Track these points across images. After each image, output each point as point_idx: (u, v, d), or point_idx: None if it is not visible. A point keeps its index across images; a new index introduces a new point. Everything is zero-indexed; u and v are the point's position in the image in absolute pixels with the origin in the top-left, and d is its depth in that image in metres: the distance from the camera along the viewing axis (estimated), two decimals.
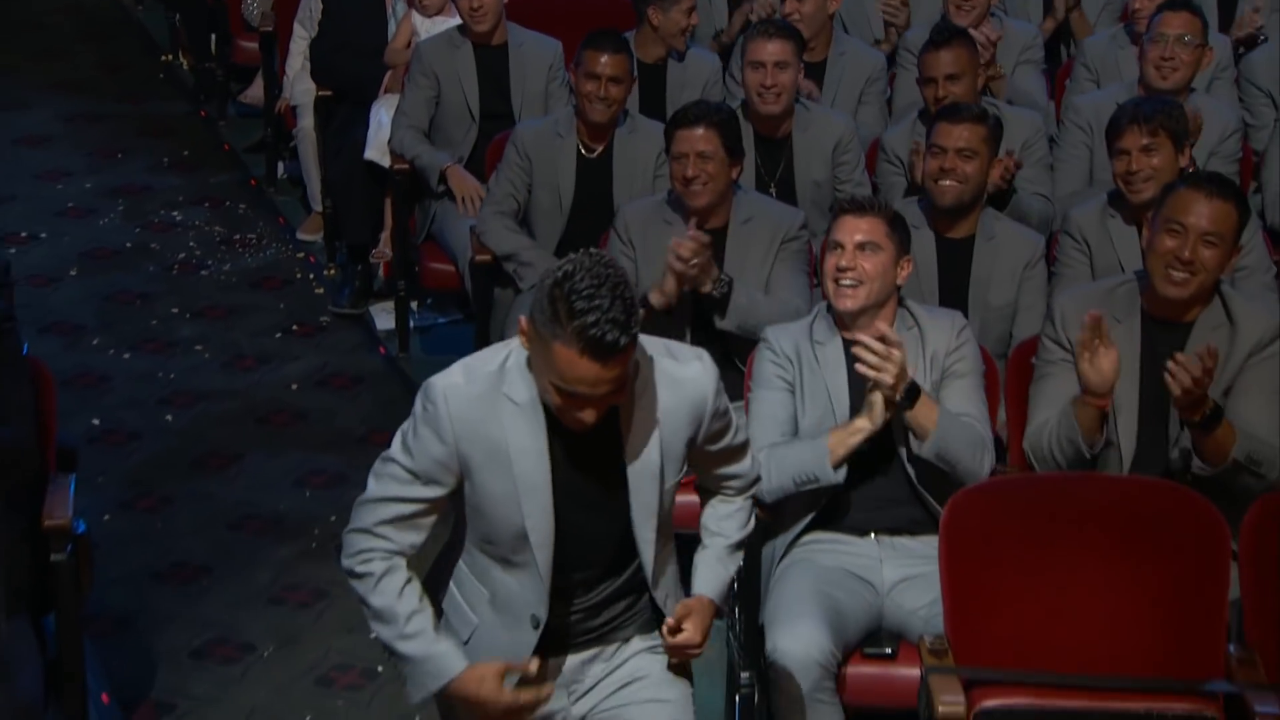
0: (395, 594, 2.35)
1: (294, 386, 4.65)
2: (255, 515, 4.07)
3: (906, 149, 4.09)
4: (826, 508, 3.11)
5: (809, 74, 4.39)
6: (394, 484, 2.35)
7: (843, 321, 3.14)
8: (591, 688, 2.48)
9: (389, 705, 3.41)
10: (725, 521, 2.56)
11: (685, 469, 2.43)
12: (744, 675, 3.11)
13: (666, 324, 3.47)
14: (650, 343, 2.36)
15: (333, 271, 5.24)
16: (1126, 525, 2.85)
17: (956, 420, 3.04)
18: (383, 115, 4.87)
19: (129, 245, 5.42)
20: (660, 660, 2.49)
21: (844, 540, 3.12)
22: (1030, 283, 3.63)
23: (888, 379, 2.96)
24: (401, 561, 2.37)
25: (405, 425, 2.36)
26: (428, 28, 4.96)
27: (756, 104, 4.16)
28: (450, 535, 2.48)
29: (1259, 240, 3.72)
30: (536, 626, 2.37)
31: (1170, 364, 2.89)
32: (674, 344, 2.41)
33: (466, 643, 2.42)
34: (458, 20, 4.72)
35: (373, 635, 3.54)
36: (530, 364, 2.27)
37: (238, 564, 3.88)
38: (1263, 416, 3.00)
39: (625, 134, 4.23)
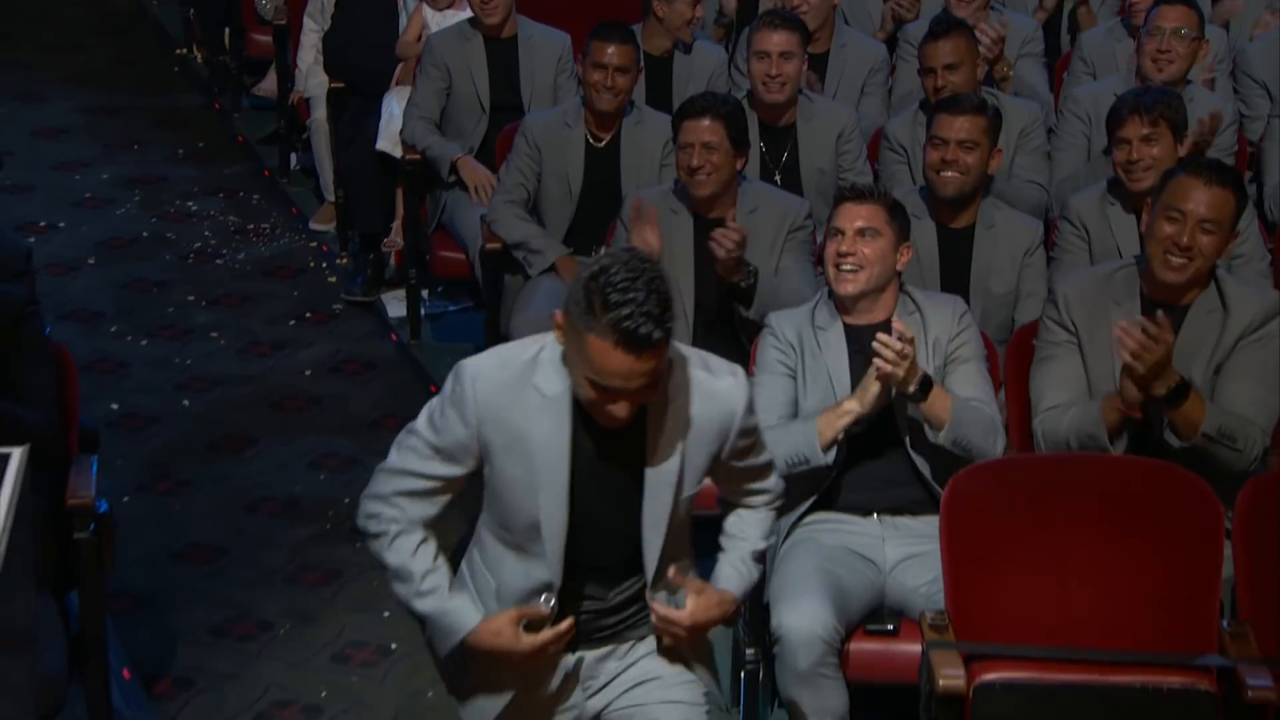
0: (410, 553, 2.37)
1: (308, 372, 4.71)
2: (271, 497, 4.12)
3: (908, 138, 4.13)
4: (830, 489, 3.15)
5: (812, 65, 4.45)
6: (414, 457, 2.36)
7: (843, 306, 3.19)
8: (606, 684, 2.48)
9: (403, 681, 3.46)
10: (748, 528, 2.54)
11: (704, 480, 2.40)
12: (749, 652, 3.15)
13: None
14: (686, 352, 2.35)
15: (345, 260, 5.30)
16: (1123, 505, 2.88)
17: (968, 406, 3.08)
18: (394, 107, 4.92)
19: (145, 235, 5.49)
20: (671, 661, 2.47)
21: (847, 520, 3.17)
22: (1031, 269, 3.66)
23: (901, 374, 3.01)
24: (416, 527, 2.38)
25: (433, 401, 2.37)
26: (438, 21, 5.01)
27: (761, 93, 4.21)
28: (466, 529, 2.49)
29: (1254, 229, 3.77)
30: (551, 611, 2.36)
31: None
32: (710, 356, 2.39)
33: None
34: (468, 13, 4.77)
35: (387, 614, 3.66)
36: (565, 359, 2.26)
37: (254, 544, 3.93)
38: (1249, 395, 3.04)
39: (633, 124, 4.29)
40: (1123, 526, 2.87)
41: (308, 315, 5.01)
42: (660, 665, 2.47)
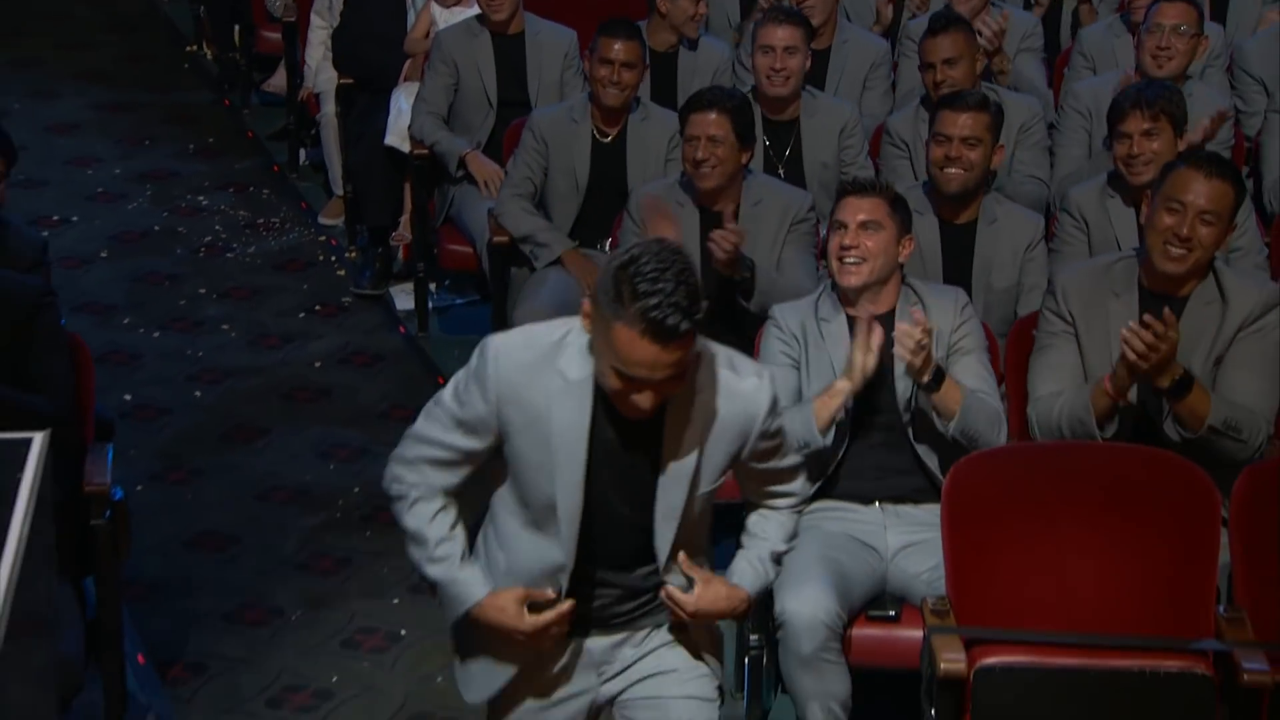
0: (427, 519, 2.38)
1: (317, 364, 4.74)
2: (281, 486, 4.15)
3: (909, 134, 4.17)
4: (832, 477, 3.19)
5: (815, 61, 4.50)
6: (438, 427, 2.37)
7: (846, 298, 3.23)
8: (621, 671, 2.47)
9: (412, 666, 3.50)
10: (769, 528, 2.51)
11: (723, 479, 2.38)
12: (753, 638, 3.18)
13: None
14: (715, 350, 2.33)
15: (354, 254, 5.33)
16: (1122, 492, 2.91)
17: (976, 397, 3.12)
18: (402, 102, 4.95)
19: (157, 229, 5.52)
20: (686, 653, 2.47)
21: (849, 508, 3.20)
22: (1032, 263, 3.68)
23: (919, 363, 3.05)
24: (437, 493, 2.40)
25: (460, 373, 2.37)
26: (446, 18, 5.04)
27: (765, 86, 4.25)
28: (482, 508, 2.49)
29: (1252, 223, 3.80)
30: (559, 592, 2.37)
31: (1124, 330, 2.96)
32: (737, 356, 2.37)
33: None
34: (475, 10, 4.80)
35: (396, 601, 3.71)
36: (591, 347, 2.25)
37: (265, 533, 3.97)
38: (1250, 386, 3.07)
39: (638, 120, 4.33)
40: (1121, 514, 2.90)
41: (317, 308, 5.05)
42: (676, 657, 2.46)
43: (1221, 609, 2.84)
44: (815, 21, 4.50)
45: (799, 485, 2.52)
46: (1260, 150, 4.32)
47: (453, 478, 2.40)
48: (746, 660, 3.23)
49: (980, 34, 4.32)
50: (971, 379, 3.17)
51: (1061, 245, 3.73)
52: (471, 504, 2.48)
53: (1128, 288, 3.17)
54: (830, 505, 3.21)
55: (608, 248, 4.29)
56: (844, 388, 3.10)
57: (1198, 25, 4.24)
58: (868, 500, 3.20)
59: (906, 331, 3.04)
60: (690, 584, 2.40)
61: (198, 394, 4.59)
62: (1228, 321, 3.11)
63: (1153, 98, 3.68)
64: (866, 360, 3.08)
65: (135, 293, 5.11)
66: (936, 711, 2.75)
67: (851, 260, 3.18)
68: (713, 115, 3.72)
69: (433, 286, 4.99)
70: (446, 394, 2.37)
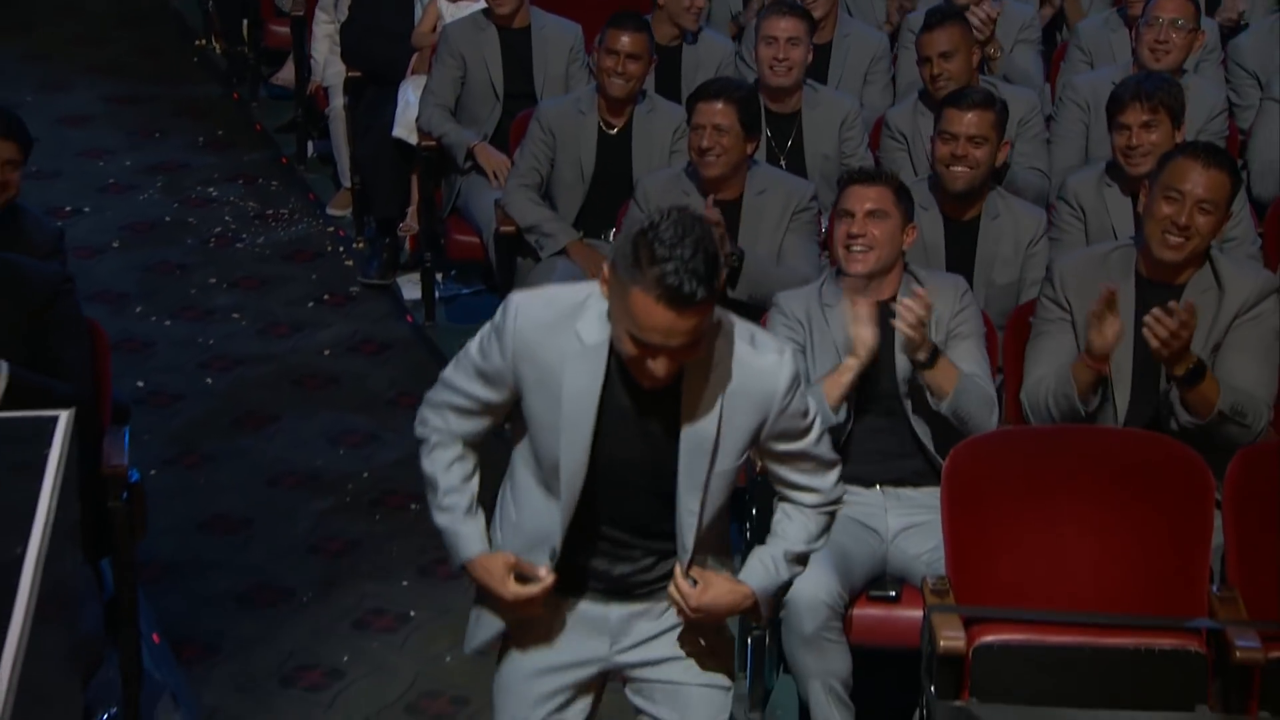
0: (443, 466, 2.41)
1: (326, 352, 4.79)
2: (292, 471, 4.20)
3: (909, 127, 4.21)
4: None
5: (816, 55, 4.55)
6: (462, 376, 2.39)
7: (850, 284, 3.30)
8: (636, 644, 2.45)
9: (421, 646, 3.55)
10: (790, 528, 2.45)
11: (745, 457, 2.35)
12: None
13: None
14: (738, 324, 2.32)
15: (361, 244, 5.37)
16: (1117, 474, 2.95)
17: (971, 380, 3.17)
18: (410, 95, 4.99)
19: (168, 219, 5.57)
20: (702, 638, 2.45)
21: (851, 491, 3.15)
22: (1035, 258, 3.69)
23: (918, 338, 3.10)
24: (456, 441, 2.42)
25: (487, 325, 2.38)
26: (453, 12, 5.08)
27: (768, 77, 4.30)
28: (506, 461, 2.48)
29: (1246, 214, 3.84)
30: (553, 559, 2.36)
31: (1148, 317, 3.00)
32: (760, 332, 2.35)
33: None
34: (482, 4, 4.83)
35: (405, 583, 3.75)
36: (609, 313, 2.24)
37: (277, 516, 4.02)
38: (1248, 372, 3.12)
39: (644, 112, 4.38)
40: (1117, 496, 2.94)
41: (326, 297, 5.09)
42: (692, 642, 2.44)
43: (1215, 588, 2.89)
44: (816, 15, 4.55)
45: (825, 482, 2.44)
46: (1251, 139, 4.36)
47: (472, 426, 2.42)
48: (749, 640, 3.27)
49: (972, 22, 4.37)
50: (967, 363, 3.22)
51: (1059, 234, 3.77)
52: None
53: (1125, 276, 3.21)
54: None
55: (612, 238, 4.34)
56: (852, 365, 3.15)
57: (1195, 20, 4.28)
58: (869, 483, 3.25)
59: (908, 306, 3.09)
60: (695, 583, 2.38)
61: (209, 381, 4.64)
62: (1224, 308, 3.15)
63: (1152, 90, 3.72)
64: (866, 334, 3.13)
65: (147, 282, 5.16)
66: (936, 688, 2.78)
67: (858, 248, 3.23)
68: (719, 105, 3.77)
69: (439, 276, 5.03)
70: (473, 345, 2.38)
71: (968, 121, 3.64)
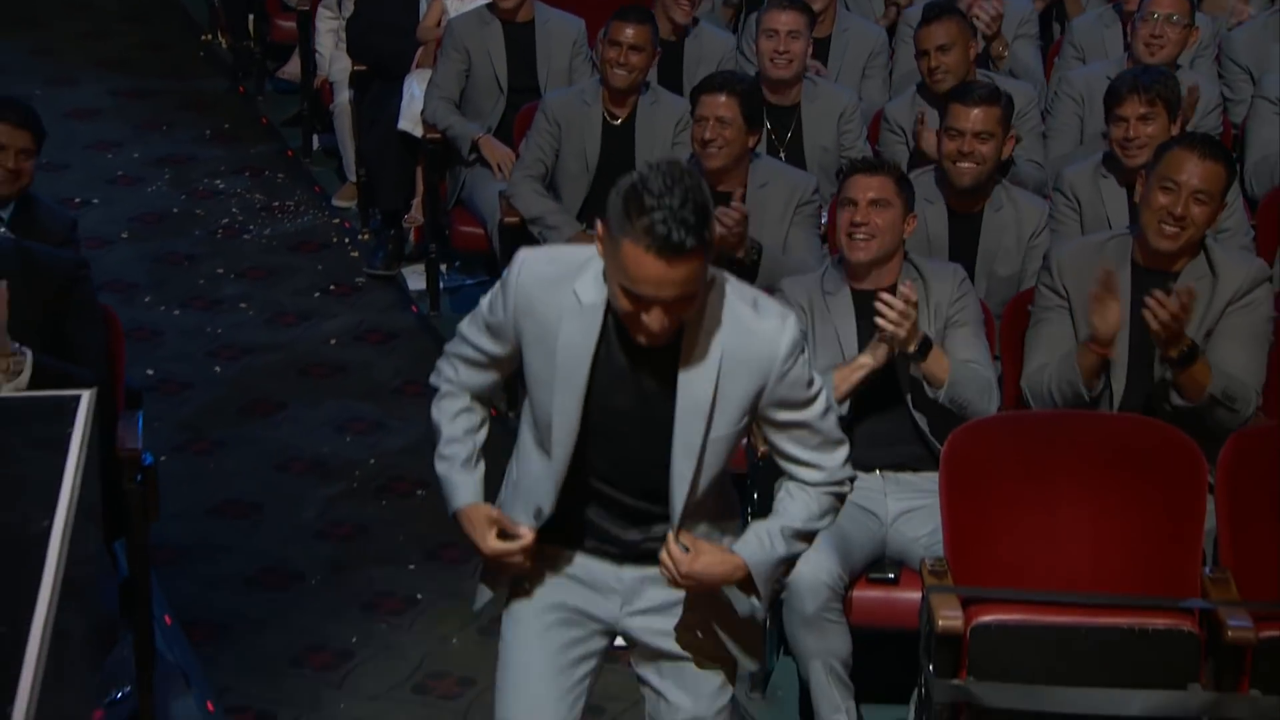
0: (449, 416, 2.44)
1: (332, 341, 4.83)
2: (300, 458, 4.25)
3: (907, 119, 4.26)
4: None
5: (815, 49, 4.60)
6: (473, 328, 2.41)
7: (851, 272, 3.35)
8: (645, 610, 2.42)
9: (428, 628, 3.60)
10: (791, 505, 2.39)
11: (744, 423, 2.31)
12: None
13: None
14: (741, 288, 2.29)
15: (367, 236, 5.41)
16: (1113, 459, 2.99)
17: (966, 367, 3.22)
18: (415, 88, 5.03)
19: (176, 211, 5.61)
20: (717, 613, 2.42)
21: None
22: (1037, 250, 3.71)
23: (903, 333, 3.16)
24: (464, 393, 2.44)
25: (499, 281, 2.38)
26: (457, 6, 5.11)
27: (768, 69, 4.35)
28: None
29: (1239, 205, 3.88)
30: (538, 518, 2.36)
31: (1149, 299, 3.06)
32: (764, 297, 2.31)
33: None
34: None
35: (412, 567, 3.79)
36: (606, 274, 2.22)
37: (285, 501, 4.07)
38: (1239, 358, 3.17)
39: (648, 104, 4.43)
40: (1112, 479, 2.99)
41: (332, 288, 5.14)
42: (707, 620, 2.42)
43: (1207, 570, 2.93)
44: (815, 8, 4.60)
45: (830, 460, 2.37)
46: (1245, 134, 4.42)
47: (480, 379, 2.43)
48: None
49: (978, 19, 4.43)
50: (965, 350, 3.27)
51: (1055, 224, 3.81)
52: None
53: (1121, 264, 3.25)
54: None
55: None
56: (866, 363, 3.21)
57: (1189, 16, 4.33)
58: (869, 468, 3.28)
59: (889, 301, 3.14)
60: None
61: (218, 369, 4.68)
62: (1218, 296, 3.20)
63: (1149, 83, 3.76)
64: (880, 353, 3.19)
65: (156, 272, 5.21)
66: (934, 667, 2.82)
67: (861, 236, 3.29)
68: (722, 97, 3.82)
69: (444, 267, 5.07)
70: (485, 299, 2.40)
71: (974, 117, 3.67)
